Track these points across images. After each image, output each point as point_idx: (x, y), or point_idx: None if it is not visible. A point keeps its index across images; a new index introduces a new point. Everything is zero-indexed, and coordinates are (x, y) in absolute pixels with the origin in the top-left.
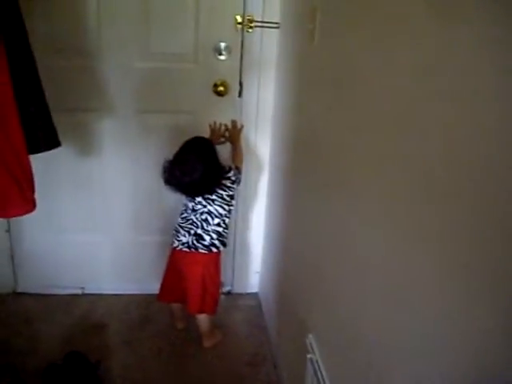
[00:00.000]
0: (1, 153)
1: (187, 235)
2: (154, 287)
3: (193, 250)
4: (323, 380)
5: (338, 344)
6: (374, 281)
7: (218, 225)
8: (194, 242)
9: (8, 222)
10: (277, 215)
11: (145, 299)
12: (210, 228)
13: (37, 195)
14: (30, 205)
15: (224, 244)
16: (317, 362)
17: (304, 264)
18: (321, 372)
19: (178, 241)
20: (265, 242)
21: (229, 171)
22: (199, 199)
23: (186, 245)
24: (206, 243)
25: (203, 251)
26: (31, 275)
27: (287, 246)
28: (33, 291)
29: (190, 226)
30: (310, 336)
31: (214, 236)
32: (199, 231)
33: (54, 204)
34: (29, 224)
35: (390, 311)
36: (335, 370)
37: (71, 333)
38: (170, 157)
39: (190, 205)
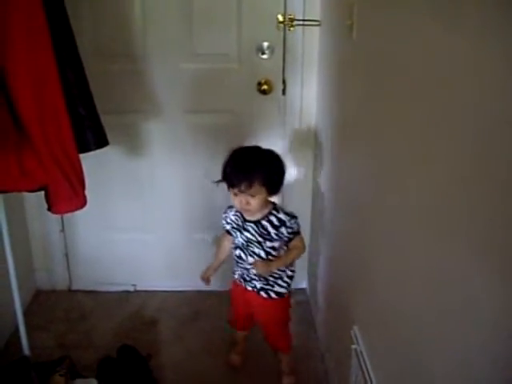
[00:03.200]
0: (52, 152)
1: None
2: (203, 284)
3: None
4: (367, 370)
5: (381, 335)
6: (416, 276)
7: None
8: None
9: (62, 222)
10: (323, 212)
11: (196, 296)
12: None
13: (89, 195)
14: (81, 201)
15: None
16: (361, 352)
17: (350, 260)
18: (365, 362)
19: None
20: (312, 239)
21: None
22: None
23: None
24: None
25: None
26: (85, 273)
27: (334, 243)
28: (87, 288)
29: None
30: (355, 328)
31: None
32: None
33: (106, 204)
34: (82, 224)
35: (432, 304)
36: (379, 359)
37: (124, 328)
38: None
39: None
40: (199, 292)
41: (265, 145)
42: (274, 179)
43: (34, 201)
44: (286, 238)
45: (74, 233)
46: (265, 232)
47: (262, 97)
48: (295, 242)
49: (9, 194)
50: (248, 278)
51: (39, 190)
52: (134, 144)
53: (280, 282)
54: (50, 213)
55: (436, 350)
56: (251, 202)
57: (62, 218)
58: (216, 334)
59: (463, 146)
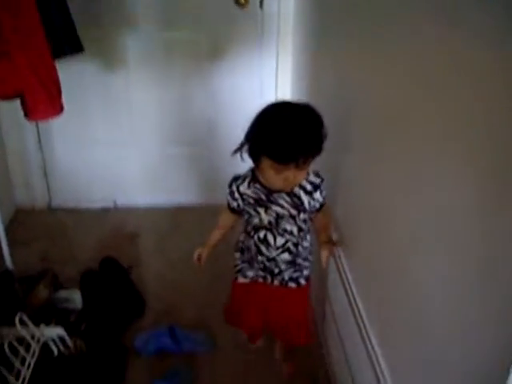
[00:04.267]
0: (28, 57)
1: None
2: (182, 199)
3: None
4: (344, 272)
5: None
6: (398, 187)
7: None
8: None
9: (39, 138)
10: None
11: (175, 210)
12: None
13: (67, 111)
14: (58, 108)
15: None
16: (339, 257)
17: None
18: (342, 265)
19: None
20: None
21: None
22: None
23: None
24: None
25: None
26: (65, 191)
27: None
28: (67, 205)
29: None
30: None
31: None
32: None
33: (83, 118)
34: (59, 139)
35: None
36: (355, 261)
37: (105, 243)
38: None
39: None
40: (178, 207)
41: (241, 61)
42: (322, 144)
43: (11, 117)
44: (318, 205)
45: (52, 148)
46: (299, 202)
47: (240, 11)
48: (326, 208)
49: None
50: (276, 271)
51: (15, 97)
52: (110, 58)
53: (307, 263)
54: (26, 125)
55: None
56: (299, 176)
57: (38, 134)
58: (196, 247)
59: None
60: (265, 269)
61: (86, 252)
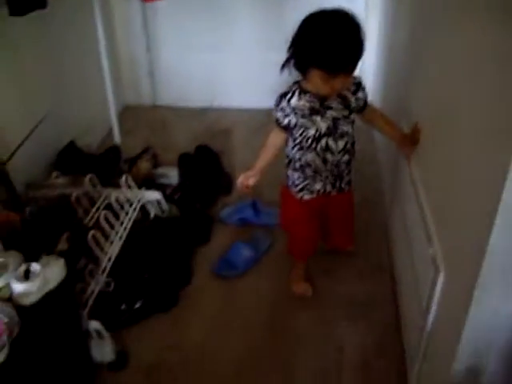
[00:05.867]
0: None
1: None
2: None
3: None
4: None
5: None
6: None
7: None
8: None
9: (147, 42)
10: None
11: (266, 111)
12: None
13: (170, 18)
14: None
15: None
16: None
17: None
18: None
19: None
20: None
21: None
22: None
23: None
24: None
25: None
26: (168, 90)
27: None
28: (169, 104)
29: None
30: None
31: None
32: None
33: (187, 27)
34: (166, 44)
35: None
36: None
37: (201, 135)
38: None
39: None
40: (270, 108)
41: None
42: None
43: (124, 27)
44: (362, 103)
45: (159, 53)
46: (347, 102)
47: None
48: (375, 107)
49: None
50: (341, 175)
51: None
52: None
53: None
54: (137, 33)
55: None
56: (347, 83)
57: (147, 40)
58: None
59: None
60: (333, 176)
61: (183, 142)
